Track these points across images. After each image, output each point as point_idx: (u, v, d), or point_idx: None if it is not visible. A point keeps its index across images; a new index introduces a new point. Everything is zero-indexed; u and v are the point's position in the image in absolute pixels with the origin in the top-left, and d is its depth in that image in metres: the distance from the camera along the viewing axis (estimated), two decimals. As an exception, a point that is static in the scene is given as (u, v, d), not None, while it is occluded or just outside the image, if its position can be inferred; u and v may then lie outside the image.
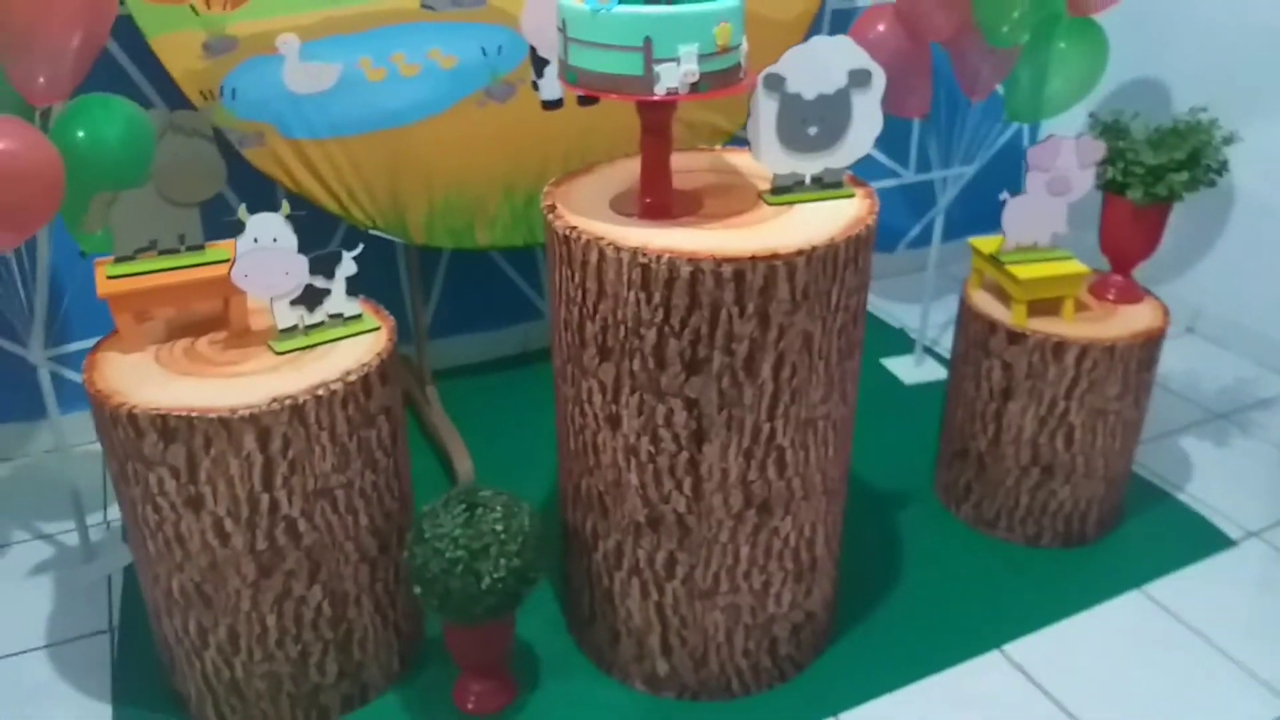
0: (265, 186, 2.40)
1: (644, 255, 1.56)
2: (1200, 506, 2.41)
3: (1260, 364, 3.02)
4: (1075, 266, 2.14)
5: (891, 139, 3.42)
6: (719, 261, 1.54)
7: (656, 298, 1.58)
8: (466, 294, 3.04)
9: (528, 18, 2.35)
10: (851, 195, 1.79)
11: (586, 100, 2.48)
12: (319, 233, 2.66)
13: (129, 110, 1.84)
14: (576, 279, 1.67)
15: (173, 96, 2.28)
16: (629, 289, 1.60)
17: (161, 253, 1.81)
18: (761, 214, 1.73)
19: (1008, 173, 3.46)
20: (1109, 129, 2.22)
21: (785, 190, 1.77)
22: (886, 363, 3.09)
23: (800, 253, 1.57)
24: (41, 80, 1.81)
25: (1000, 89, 2.62)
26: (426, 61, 2.33)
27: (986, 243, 2.25)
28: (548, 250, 1.77)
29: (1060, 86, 2.51)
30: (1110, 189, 2.18)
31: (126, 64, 2.39)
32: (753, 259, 1.55)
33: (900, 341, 3.20)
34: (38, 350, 2.12)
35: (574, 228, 1.65)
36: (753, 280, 1.56)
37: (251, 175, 2.31)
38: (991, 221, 3.62)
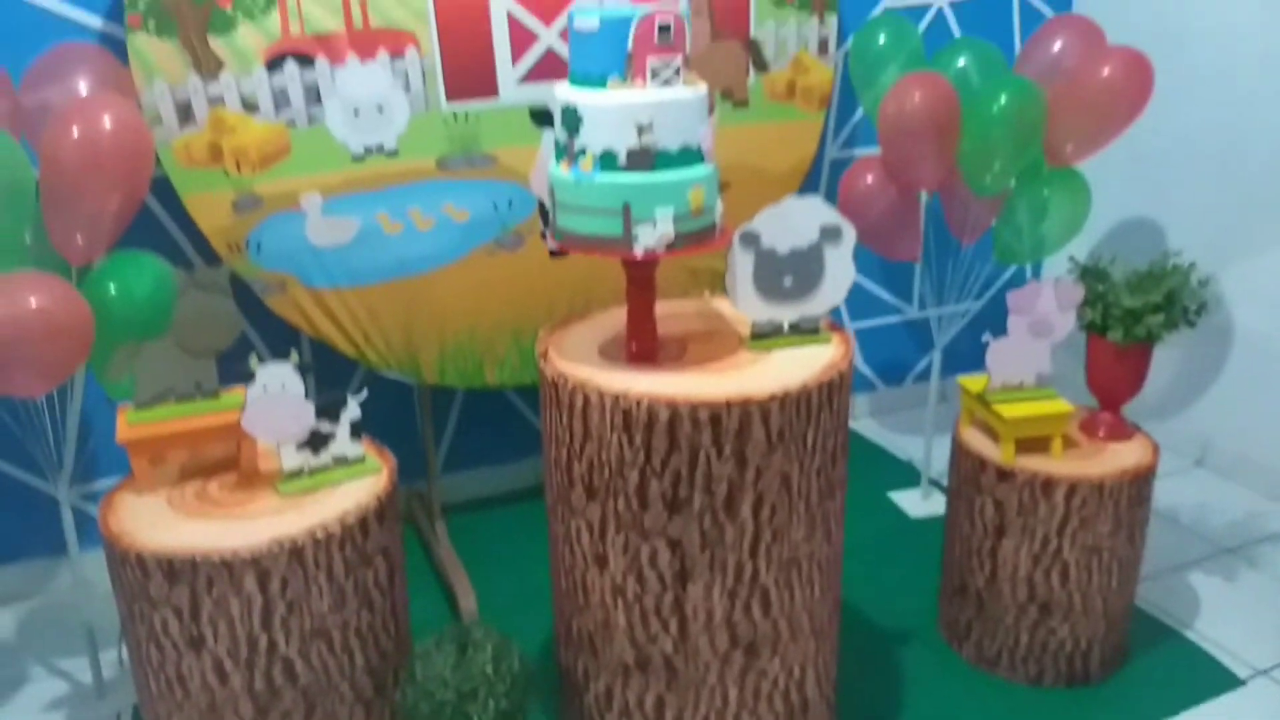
0: (286, 329, 2.54)
1: (625, 400, 1.65)
2: (1207, 644, 2.37)
3: (1270, 497, 3.00)
4: (1060, 405, 2.19)
5: (895, 276, 3.53)
6: (695, 406, 1.62)
7: (638, 440, 1.66)
8: (479, 429, 3.13)
9: (537, 175, 2.53)
10: (828, 340, 1.87)
11: (590, 248, 2.62)
12: (338, 373, 2.79)
13: (156, 267, 1.99)
14: (564, 421, 1.75)
15: (199, 243, 2.45)
16: (612, 432, 1.68)
17: (179, 399, 1.93)
18: (741, 359, 1.82)
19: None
20: (1089, 272, 2.31)
21: (765, 336, 1.86)
22: (894, 496, 3.11)
23: (773, 397, 1.64)
24: (80, 241, 1.97)
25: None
26: (441, 216, 2.49)
27: (975, 382, 2.31)
28: (540, 394, 1.86)
29: (1047, 230, 2.61)
30: (1092, 330, 2.24)
31: (158, 209, 2.56)
32: (727, 403, 1.62)
33: (907, 474, 3.23)
34: (64, 488, 2.23)
35: (562, 374, 1.74)
36: (728, 424, 1.63)
37: (273, 318, 2.45)
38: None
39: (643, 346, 1.82)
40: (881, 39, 2.61)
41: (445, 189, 2.48)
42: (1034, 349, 2.20)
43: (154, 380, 1.90)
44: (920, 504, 3.05)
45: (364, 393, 1.92)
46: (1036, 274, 3.73)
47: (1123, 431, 2.30)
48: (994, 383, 2.23)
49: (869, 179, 2.64)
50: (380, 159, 2.40)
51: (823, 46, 2.78)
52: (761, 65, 2.72)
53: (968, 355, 3.44)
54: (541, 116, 2.49)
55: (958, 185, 2.60)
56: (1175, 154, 3.08)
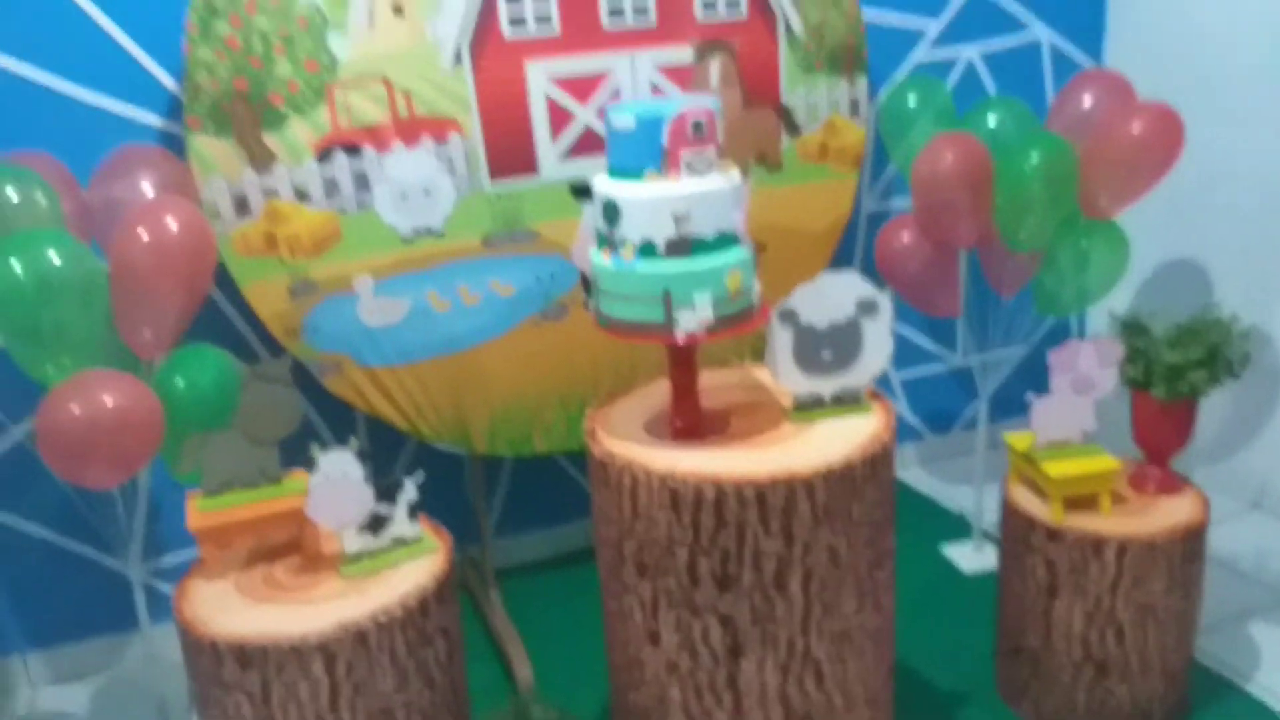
0: (342, 406, 2.62)
1: (672, 479, 1.69)
2: (1270, 698, 2.33)
3: (1332, 540, 2.95)
4: (1107, 462, 2.19)
5: (937, 324, 3.54)
6: (740, 484, 1.66)
7: (686, 519, 1.70)
8: (530, 493, 3.19)
9: (578, 249, 2.61)
10: (870, 410, 1.90)
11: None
12: (390, 446, 2.87)
13: (220, 360, 2.08)
14: (613, 500, 1.80)
15: (259, 328, 2.55)
16: (660, 510, 1.72)
17: (245, 486, 2.01)
18: (784, 432, 1.85)
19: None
20: (1129, 327, 2.31)
21: (807, 408, 1.90)
22: (946, 550, 3.10)
23: (817, 473, 1.67)
24: (148, 336, 2.06)
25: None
26: (488, 291, 2.57)
27: (1021, 439, 2.32)
28: (590, 471, 1.91)
29: (1087, 282, 2.61)
30: (1135, 386, 2.24)
31: (218, 297, 2.67)
32: (772, 480, 1.66)
33: (959, 527, 3.22)
34: (135, 567, 2.31)
35: (610, 453, 1.79)
36: (774, 501, 1.67)
37: (329, 398, 2.54)
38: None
39: (687, 422, 1.86)
40: (911, 99, 2.65)
41: (491, 265, 2.56)
42: (1078, 406, 2.21)
43: (221, 469, 1.99)
44: (973, 557, 3.03)
45: (420, 474, 1.98)
46: (1080, 320, 3.72)
47: (1173, 485, 2.29)
48: (1040, 440, 2.24)
49: (905, 237, 2.67)
50: (428, 240, 2.49)
51: (854, 108, 2.83)
52: (794, 130, 2.77)
53: (1015, 401, 3.42)
54: (581, 191, 2.60)
55: (994, 241, 2.62)
56: (1212, 199, 3.07)
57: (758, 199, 2.69)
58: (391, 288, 2.48)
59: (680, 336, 1.70)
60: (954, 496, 3.42)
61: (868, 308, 1.84)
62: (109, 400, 1.87)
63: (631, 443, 1.83)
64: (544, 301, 2.63)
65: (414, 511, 1.99)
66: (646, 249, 1.67)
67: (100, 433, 1.87)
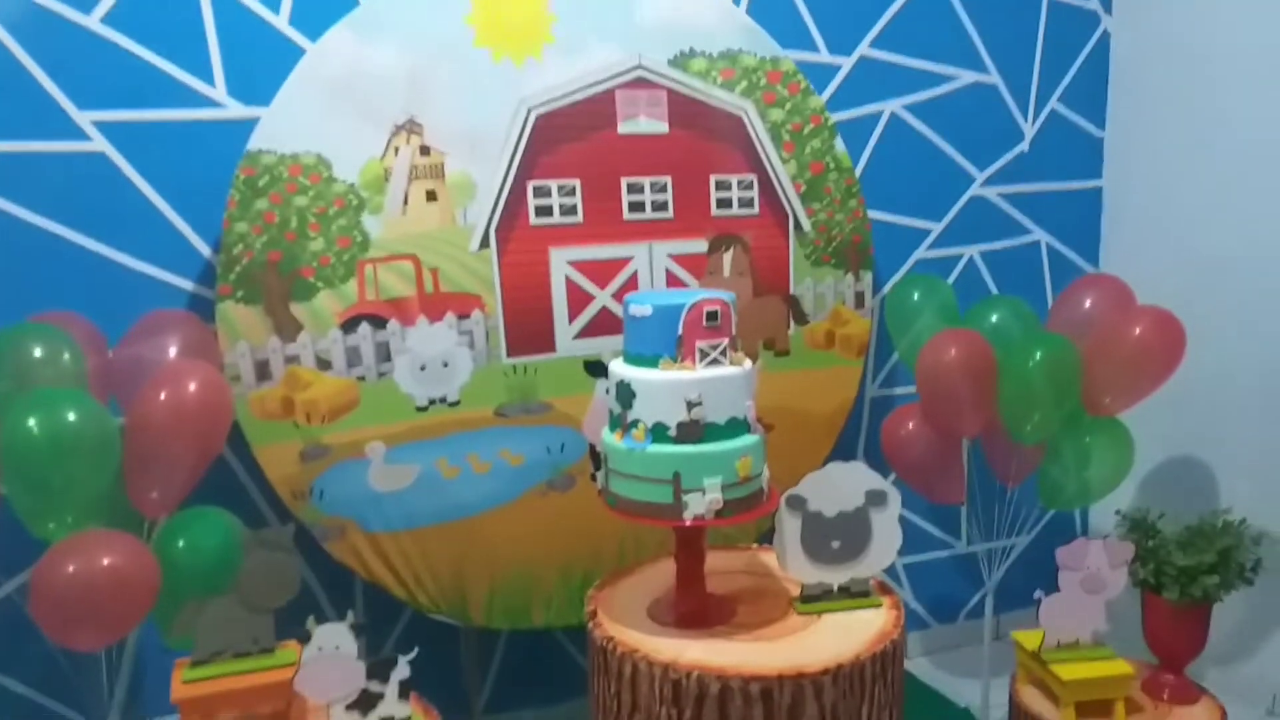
0: (342, 575, 2.59)
1: (675, 671, 1.66)
2: None
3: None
4: (1121, 667, 2.14)
5: (942, 511, 3.52)
6: (747, 679, 1.62)
7: (687, 713, 1.65)
8: (525, 669, 3.09)
9: (589, 421, 2.64)
10: (879, 604, 1.88)
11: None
12: (387, 617, 2.82)
13: (224, 522, 2.08)
14: (613, 689, 1.75)
15: (263, 486, 2.55)
16: (660, 704, 1.67)
17: (236, 655, 1.96)
18: (791, 623, 1.82)
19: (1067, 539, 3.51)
20: (1137, 526, 2.31)
21: (814, 599, 1.88)
22: (952, 748, 2.98)
23: (826, 671, 1.64)
24: (155, 495, 2.07)
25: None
26: (498, 460, 2.59)
27: (1029, 637, 2.27)
28: (589, 656, 1.87)
29: (1091, 478, 2.62)
30: (1146, 587, 2.22)
31: (228, 454, 2.68)
32: (779, 677, 1.62)
33: (965, 723, 3.10)
34: (113, 731, 2.23)
35: (610, 638, 1.76)
36: (780, 699, 1.62)
37: (325, 563, 2.51)
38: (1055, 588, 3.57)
39: (691, 608, 1.84)
40: (914, 294, 2.74)
41: (502, 435, 2.59)
42: (1088, 605, 2.18)
43: (214, 636, 1.95)
44: (979, 756, 2.91)
45: (414, 652, 1.94)
46: (1084, 513, 3.70)
47: (1188, 694, 2.23)
48: (1049, 640, 2.20)
49: (910, 425, 2.71)
50: (443, 409, 2.53)
51: (859, 299, 2.92)
52: (801, 318, 2.86)
53: (1020, 591, 3.36)
54: (595, 367, 2.65)
55: (999, 431, 2.65)
56: (1217, 396, 3.10)
57: (767, 382, 2.74)
58: (403, 454, 2.50)
59: (688, 519, 1.70)
60: (960, 690, 3.30)
61: (876, 498, 1.85)
62: (107, 563, 1.85)
63: (633, 628, 1.80)
64: (552, 471, 2.65)
65: (405, 690, 1.94)
66: (658, 431, 1.70)
67: (95, 596, 1.85)
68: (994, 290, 3.40)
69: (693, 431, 1.69)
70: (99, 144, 2.41)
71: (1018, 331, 2.60)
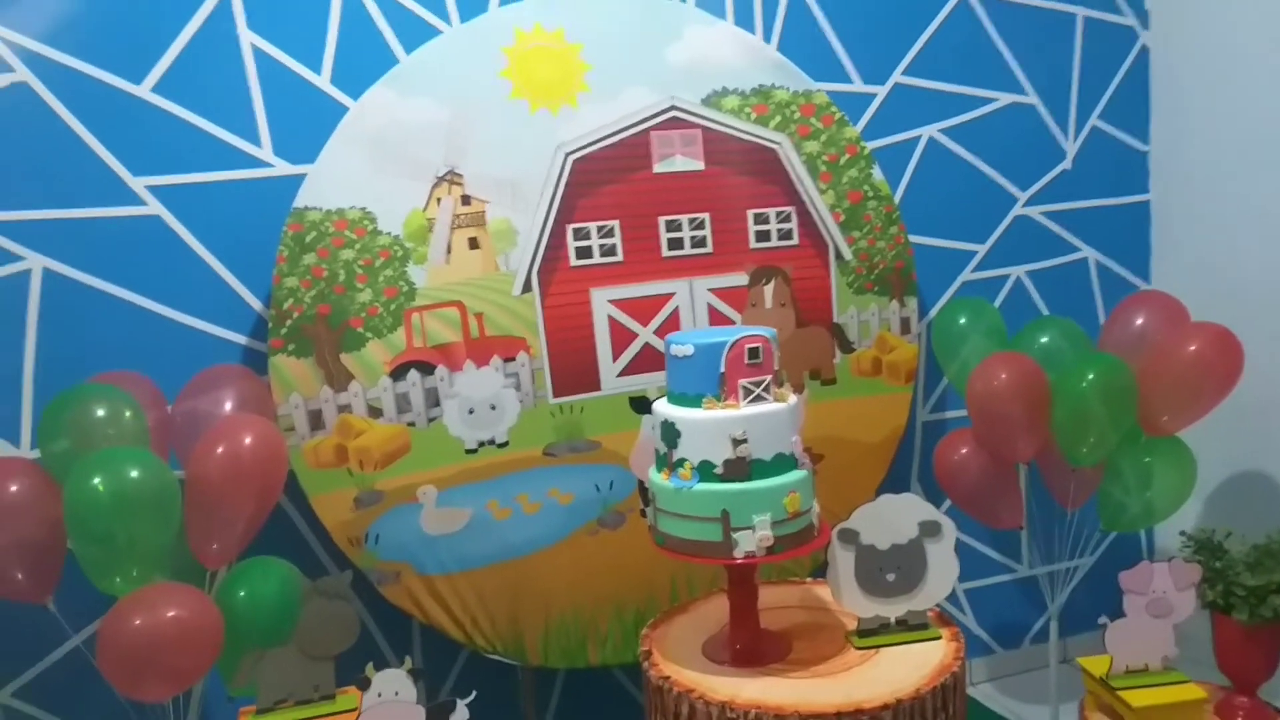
0: (400, 619, 2.61)
1: (731, 710, 1.65)
2: None
3: None
4: (1193, 691, 2.08)
5: (1001, 534, 3.46)
6: (804, 717, 1.60)
7: (746, 753, 1.64)
8: (583, 708, 3.09)
9: (636, 457, 2.66)
10: (938, 636, 1.85)
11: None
12: (444, 658, 2.84)
13: (282, 572, 2.11)
14: (671, 729, 1.75)
15: (321, 535, 2.60)
16: (719, 743, 1.66)
17: (298, 702, 1.99)
18: (849, 659, 1.80)
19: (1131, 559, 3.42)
20: (1204, 547, 2.25)
21: (871, 632, 1.86)
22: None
23: (885, 706, 1.62)
24: (215, 547, 2.12)
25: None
26: (547, 500, 2.61)
27: (1097, 663, 2.22)
28: (645, 695, 1.86)
29: (1153, 499, 2.57)
30: (1215, 609, 2.16)
31: (285, 504, 2.73)
32: (838, 714, 1.60)
33: (1035, 754, 3.02)
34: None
35: (666, 678, 1.75)
36: (839, 735, 1.60)
37: (387, 609, 2.54)
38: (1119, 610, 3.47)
39: (746, 646, 1.83)
40: (962, 318, 2.72)
41: (551, 475, 2.61)
42: (1156, 630, 2.13)
43: (276, 685, 1.98)
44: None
45: (473, 695, 1.95)
46: (1149, 532, 3.61)
47: (1263, 716, 2.16)
48: (1117, 666, 2.14)
49: (963, 450, 2.67)
50: (492, 451, 2.56)
51: (904, 325, 2.90)
52: (846, 346, 2.85)
53: (1085, 614, 3.28)
54: (640, 404, 2.67)
55: (1054, 455, 2.60)
56: (1274, 411, 3.02)
57: (814, 412, 2.74)
58: (454, 498, 2.53)
59: (739, 556, 1.70)
60: (1028, 716, 3.22)
61: (930, 529, 1.83)
62: (171, 615, 1.89)
63: (688, 667, 1.79)
64: (602, 509, 2.66)
65: (466, 729, 1.95)
66: (705, 470, 1.70)
67: (161, 649, 1.89)
68: (1044, 309, 3.36)
69: (739, 469, 1.69)
70: (153, 207, 2.49)
71: (1068, 353, 2.56)
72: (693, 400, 1.73)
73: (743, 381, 1.70)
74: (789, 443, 1.73)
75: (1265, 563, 2.12)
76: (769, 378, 1.73)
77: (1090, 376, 2.43)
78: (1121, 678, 2.14)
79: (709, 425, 1.70)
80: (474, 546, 2.55)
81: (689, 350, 1.72)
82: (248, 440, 2.11)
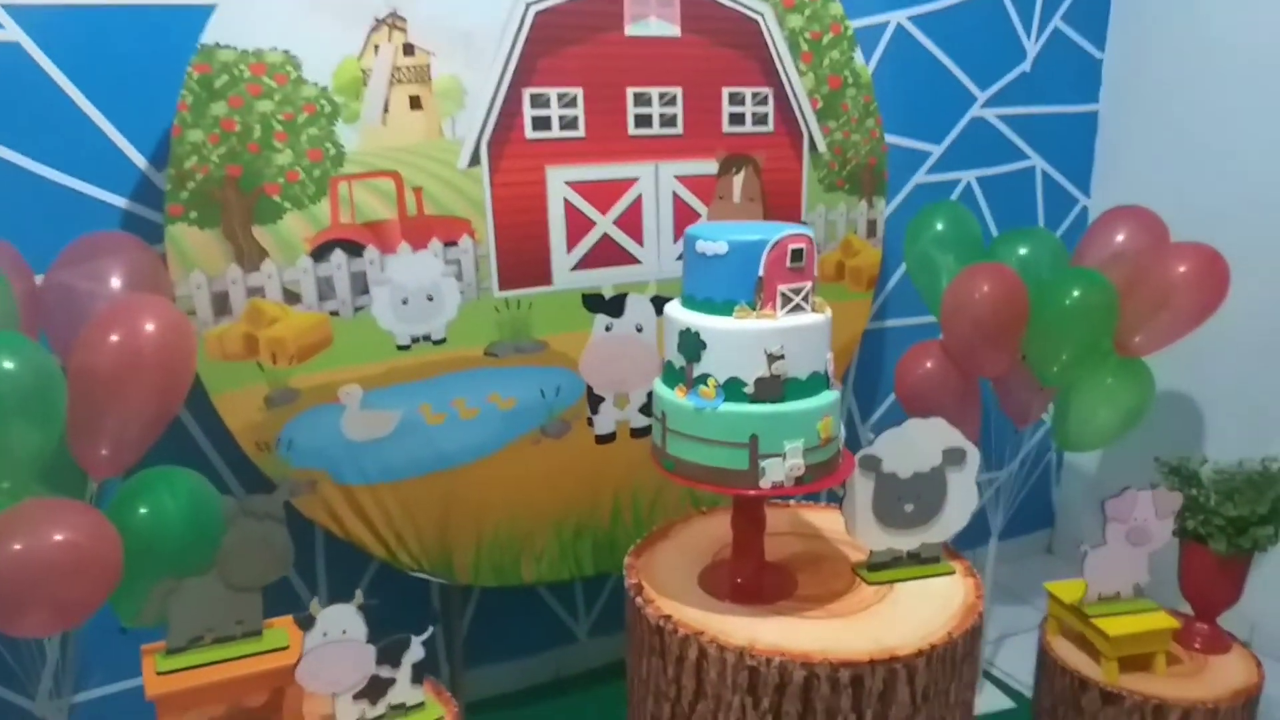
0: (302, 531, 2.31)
1: (751, 657, 1.46)
2: None
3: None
4: (1164, 619, 2.05)
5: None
6: (835, 666, 1.44)
7: (765, 703, 1.47)
8: (499, 620, 2.89)
9: (586, 360, 2.41)
10: (951, 571, 1.72)
11: (640, 433, 2.48)
12: (350, 570, 2.56)
13: (194, 485, 1.78)
14: (670, 674, 1.56)
15: (222, 443, 2.25)
16: (734, 692, 1.48)
17: (217, 640, 1.69)
18: (863, 595, 1.65)
19: (1041, 471, 3.47)
20: (1175, 473, 2.21)
21: (883, 566, 1.70)
22: (945, 690, 2.90)
23: (920, 653, 1.47)
24: (105, 454, 1.75)
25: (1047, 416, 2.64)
26: (486, 405, 2.33)
27: (1065, 588, 2.17)
28: (632, 635, 1.66)
29: (1107, 420, 2.52)
30: (1192, 539, 2.13)
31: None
32: (871, 662, 1.45)
33: (955, 664, 3.03)
34: (45, 702, 1.95)
35: (668, 616, 1.55)
36: (871, 685, 1.45)
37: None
38: (1026, 521, 3.49)
39: (750, 580, 1.65)
40: (939, 224, 2.56)
41: (492, 377, 2.33)
42: (1132, 558, 2.08)
43: (192, 620, 1.68)
44: (975, 700, 2.84)
45: (430, 631, 1.70)
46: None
47: (1221, 643, 2.17)
48: (1090, 593, 2.09)
49: (928, 364, 2.54)
50: (427, 348, 2.25)
51: (870, 229, 2.72)
52: (813, 247, 2.64)
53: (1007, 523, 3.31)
54: (594, 302, 2.40)
55: (1019, 372, 2.51)
56: (1247, 335, 2.96)
57: (774, 317, 2.54)
58: (382, 399, 2.22)
59: (765, 485, 1.49)
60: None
61: (955, 457, 1.67)
62: (61, 539, 1.54)
63: (690, 604, 1.60)
64: (546, 416, 2.40)
65: (419, 674, 1.71)
66: (732, 389, 1.47)
67: (48, 579, 1.54)
68: (989, 219, 3.25)
69: (773, 388, 1.46)
70: (11, 32, 1.99)
71: (1048, 267, 2.44)
72: (721, 307, 1.49)
73: (783, 288, 1.47)
74: (824, 359, 1.52)
75: (1246, 493, 2.08)
76: (810, 284, 1.50)
77: (1075, 293, 2.32)
78: (1094, 605, 2.09)
79: (742, 338, 1.46)
80: (402, 454, 2.26)
81: (722, 248, 1.46)
82: (151, 327, 1.74)
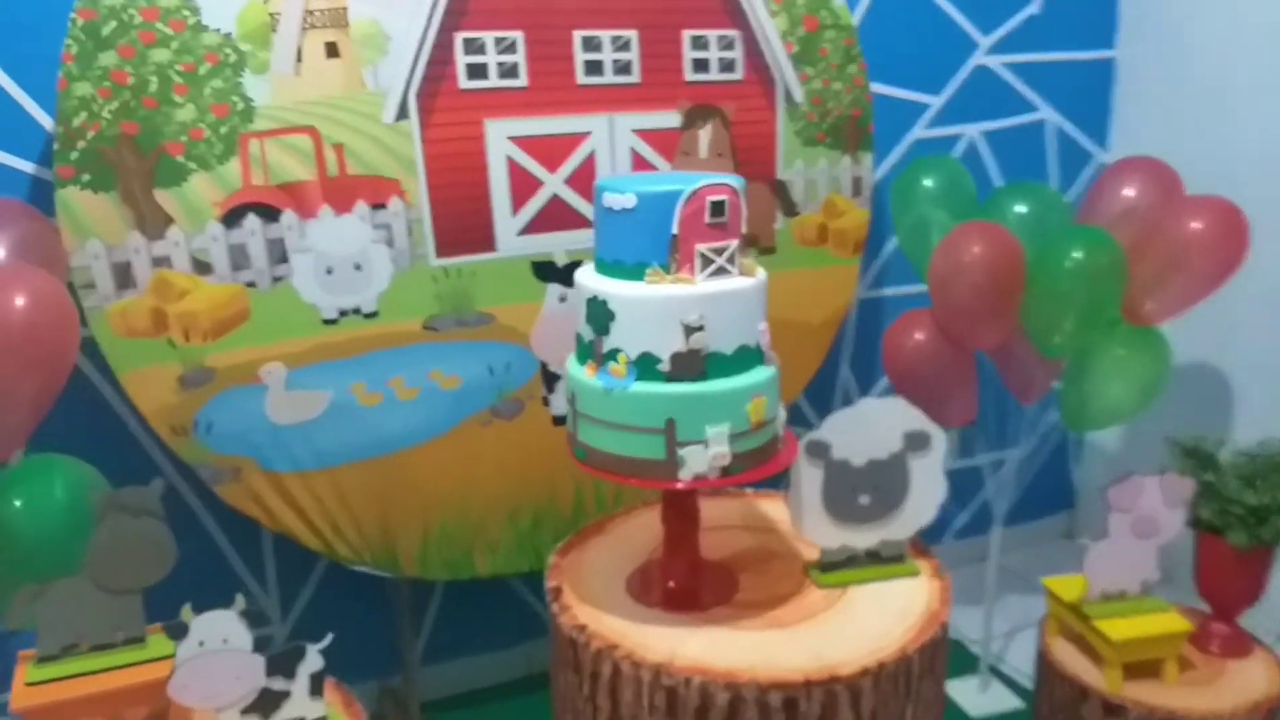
0: (247, 525, 2.14)
1: (669, 675, 1.26)
2: None
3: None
4: (1176, 622, 1.83)
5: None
6: (765, 687, 1.23)
7: (686, 728, 1.27)
8: (464, 612, 2.71)
9: (538, 334, 2.21)
10: (916, 572, 1.50)
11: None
12: (300, 566, 2.39)
13: (74, 475, 1.61)
14: (585, 690, 1.36)
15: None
16: (651, 715, 1.28)
17: (94, 648, 1.52)
18: (810, 600, 1.44)
19: (1058, 450, 3.23)
20: (1191, 455, 1.97)
21: (836, 566, 1.49)
22: (947, 687, 2.69)
23: (866, 672, 1.26)
24: (-19, 439, 1.58)
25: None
26: (427, 383, 2.15)
27: (1064, 584, 1.95)
28: (553, 646, 1.47)
29: (1120, 395, 2.27)
30: (1208, 529, 1.89)
31: (101, 384, 2.17)
32: (807, 683, 1.24)
33: (960, 658, 2.81)
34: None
35: (583, 626, 1.36)
36: (807, 710, 1.25)
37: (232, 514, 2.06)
38: (1043, 504, 3.24)
39: (683, 584, 1.44)
40: (926, 181, 2.31)
41: (433, 353, 2.14)
42: (1139, 552, 1.85)
43: (63, 626, 1.51)
44: (980, 699, 2.63)
45: (327, 638, 1.52)
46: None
47: (1242, 645, 1.94)
48: (1092, 591, 1.87)
49: (918, 335, 2.31)
50: (357, 322, 2.06)
51: (856, 187, 2.48)
52: (790, 209, 2.42)
53: (1015, 509, 3.07)
54: (545, 270, 2.20)
55: (1019, 343, 2.27)
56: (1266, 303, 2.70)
57: (748, 285, 2.32)
58: (308, 378, 2.04)
59: (686, 478, 1.28)
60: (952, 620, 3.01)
61: (917, 441, 1.45)
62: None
63: (610, 611, 1.40)
64: (496, 396, 2.21)
65: (318, 684, 1.53)
66: (645, 366, 1.26)
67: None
68: (996, 176, 2.99)
69: (692, 365, 1.25)
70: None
71: (1049, 225, 2.19)
72: (632, 271, 1.27)
73: (701, 247, 1.25)
74: (755, 331, 1.30)
75: (1269, 478, 1.84)
76: (735, 243, 1.28)
77: (1076, 254, 2.07)
78: (1097, 605, 1.87)
79: (654, 305, 1.24)
80: (334, 438, 2.09)
81: (629, 201, 1.24)
82: (19, 300, 1.55)
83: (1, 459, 1.62)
